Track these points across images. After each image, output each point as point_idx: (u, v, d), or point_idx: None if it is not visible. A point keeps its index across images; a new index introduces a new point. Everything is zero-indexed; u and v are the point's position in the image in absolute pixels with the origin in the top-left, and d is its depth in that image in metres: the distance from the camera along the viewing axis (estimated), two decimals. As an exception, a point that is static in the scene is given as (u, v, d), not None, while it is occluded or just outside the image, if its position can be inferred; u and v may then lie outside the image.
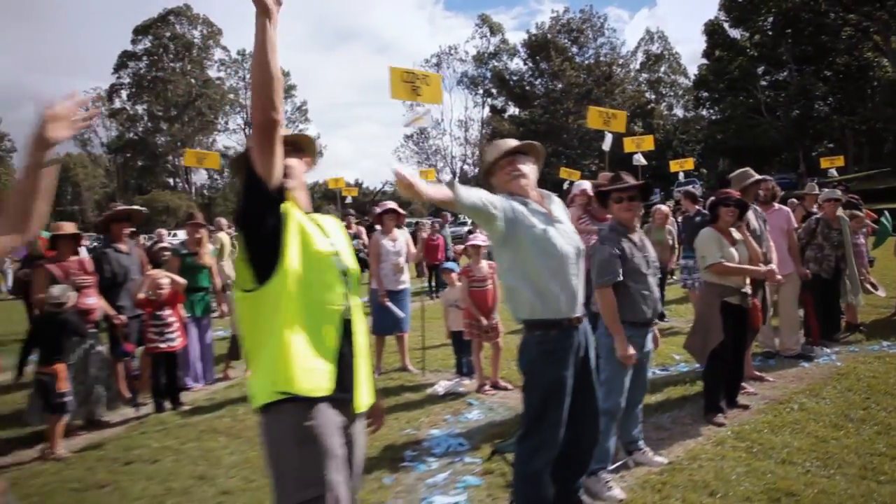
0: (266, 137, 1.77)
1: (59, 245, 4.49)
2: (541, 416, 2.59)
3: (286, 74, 56.97)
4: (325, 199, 65.25)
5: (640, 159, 11.27)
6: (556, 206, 2.76)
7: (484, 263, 5.04)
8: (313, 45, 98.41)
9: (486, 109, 48.41)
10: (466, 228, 14.87)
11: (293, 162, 2.02)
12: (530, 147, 2.77)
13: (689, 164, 15.98)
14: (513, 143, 2.79)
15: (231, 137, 57.90)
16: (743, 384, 4.53)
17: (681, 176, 19.24)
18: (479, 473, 3.45)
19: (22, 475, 3.80)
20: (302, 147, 2.10)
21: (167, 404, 5.03)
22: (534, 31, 39.97)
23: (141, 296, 4.97)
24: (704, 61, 40.93)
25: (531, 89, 38.59)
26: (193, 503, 3.31)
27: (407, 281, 5.84)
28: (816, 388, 4.61)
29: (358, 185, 56.11)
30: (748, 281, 4.19)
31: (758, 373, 4.98)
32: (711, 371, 4.11)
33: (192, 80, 53.69)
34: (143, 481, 3.60)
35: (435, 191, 2.35)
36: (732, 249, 4.09)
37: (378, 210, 5.82)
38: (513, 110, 46.21)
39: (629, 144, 11.27)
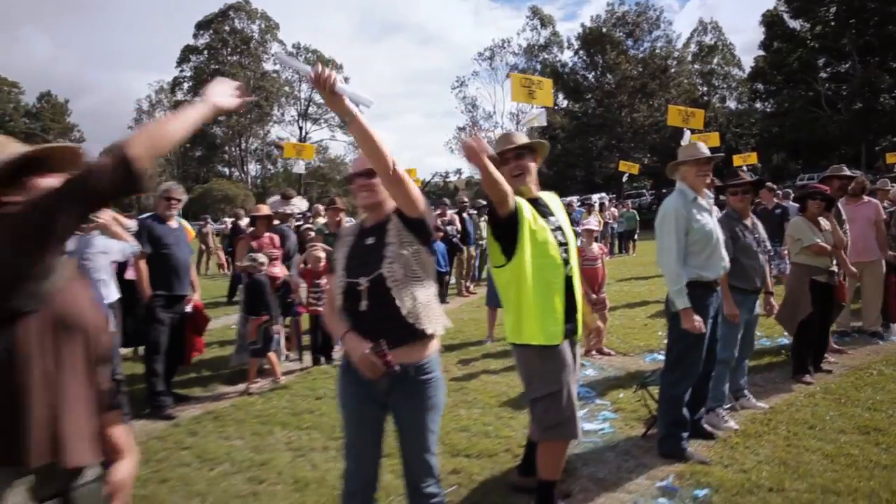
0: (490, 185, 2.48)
1: (257, 224, 5.54)
2: (684, 354, 3.42)
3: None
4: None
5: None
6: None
7: (595, 245, 5.85)
8: (359, 36, 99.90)
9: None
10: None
11: (530, 165, 2.86)
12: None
13: (753, 157, 16.21)
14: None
15: (286, 129, 59.70)
16: (825, 355, 5.22)
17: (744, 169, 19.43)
18: (612, 410, 4.30)
19: (220, 407, 4.82)
20: (535, 149, 2.94)
21: (322, 358, 6.04)
22: (588, 24, 40.08)
23: (302, 266, 6.00)
24: (761, 53, 40.21)
25: (584, 82, 38.76)
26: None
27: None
28: (893, 359, 5.26)
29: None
30: (834, 262, 4.89)
31: (837, 346, 5.65)
32: (799, 339, 4.83)
33: (250, 74, 55.58)
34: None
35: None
36: (821, 236, 4.79)
37: (483, 203, 6.68)
38: (563, 102, 46.42)
39: (696, 139, 11.75)
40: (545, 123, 8.35)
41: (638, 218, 19.32)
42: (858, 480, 3.05)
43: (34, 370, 1.29)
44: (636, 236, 19.00)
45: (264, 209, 5.67)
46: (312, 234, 6.90)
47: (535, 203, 2.79)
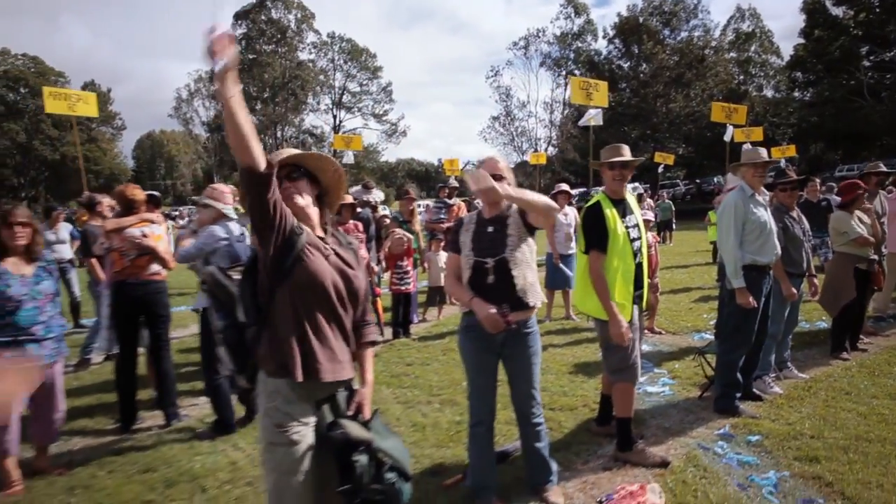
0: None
1: (342, 211, 6.27)
2: (740, 326, 4.05)
3: (373, 55, 59.31)
4: (408, 176, 67.25)
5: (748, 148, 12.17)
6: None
7: (649, 234, 6.45)
8: (388, 24, 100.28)
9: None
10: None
11: (627, 174, 3.52)
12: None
13: (792, 150, 16.46)
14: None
15: (320, 117, 60.68)
16: (861, 336, 5.77)
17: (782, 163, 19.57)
18: (669, 377, 4.96)
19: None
20: (634, 163, 3.58)
21: (401, 332, 6.80)
22: (624, 12, 39.87)
23: (386, 250, 6.75)
24: (800, 40, 39.50)
25: (619, 72, 38.65)
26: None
27: (574, 247, 7.33)
28: (925, 340, 5.79)
29: (440, 164, 57.88)
30: (873, 251, 5.42)
31: (871, 329, 6.18)
32: (841, 320, 5.39)
33: (287, 63, 56.59)
34: (432, 375, 5.33)
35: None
36: (864, 228, 5.33)
37: (553, 191, 7.32)
38: (594, 91, 46.20)
39: (739, 135, 12.18)
40: (601, 122, 8.93)
41: (673, 208, 19.65)
42: (886, 432, 3.67)
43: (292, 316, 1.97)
44: (673, 226, 19.35)
45: (348, 197, 6.40)
46: (388, 220, 7.64)
47: (621, 203, 3.46)
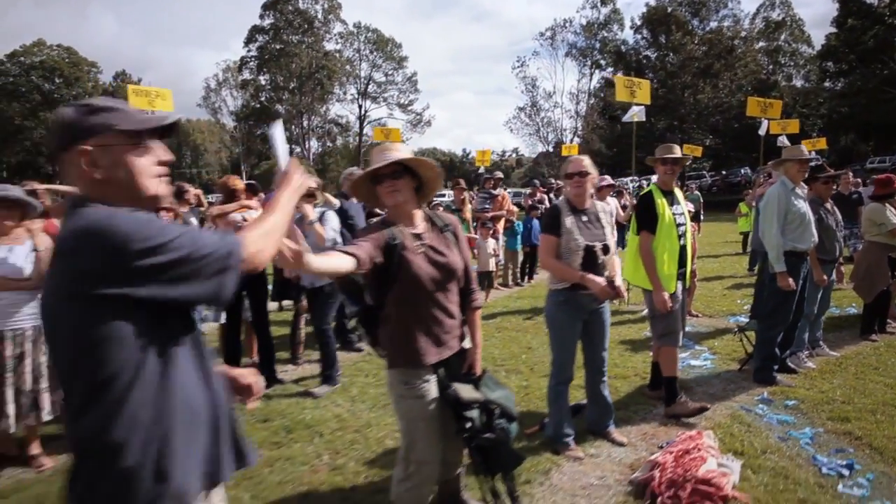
0: None
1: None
2: (779, 306, 4.54)
3: (398, 45, 59.74)
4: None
5: (783, 141, 12.47)
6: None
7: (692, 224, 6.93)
8: (411, 13, 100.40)
9: (594, 80, 48.63)
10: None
11: (677, 169, 4.04)
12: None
13: (822, 143, 16.58)
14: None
15: (345, 107, 61.30)
16: (888, 320, 6.19)
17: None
18: (710, 353, 5.46)
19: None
20: (684, 159, 4.11)
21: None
22: (653, 2, 39.65)
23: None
24: (832, 29, 38.91)
25: (646, 62, 38.58)
26: (520, 358, 5.55)
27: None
28: (949, 325, 6.19)
29: (466, 154, 58.35)
30: (902, 242, 5.84)
31: (899, 314, 6.59)
32: (873, 305, 5.82)
33: (313, 53, 57.19)
34: (493, 349, 5.89)
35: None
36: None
37: (599, 185, 7.78)
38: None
39: (775, 127, 12.47)
40: (644, 119, 9.39)
41: (702, 199, 19.86)
42: (911, 400, 4.15)
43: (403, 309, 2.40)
44: (701, 217, 19.57)
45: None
46: (441, 209, 8.20)
47: (671, 194, 4.00)
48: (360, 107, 60.52)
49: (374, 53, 59.87)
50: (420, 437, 2.41)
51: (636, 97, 7.33)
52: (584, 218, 3.45)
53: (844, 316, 6.83)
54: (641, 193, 4.14)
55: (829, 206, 5.19)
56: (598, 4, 48.73)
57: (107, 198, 1.32)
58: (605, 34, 48.33)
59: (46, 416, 3.49)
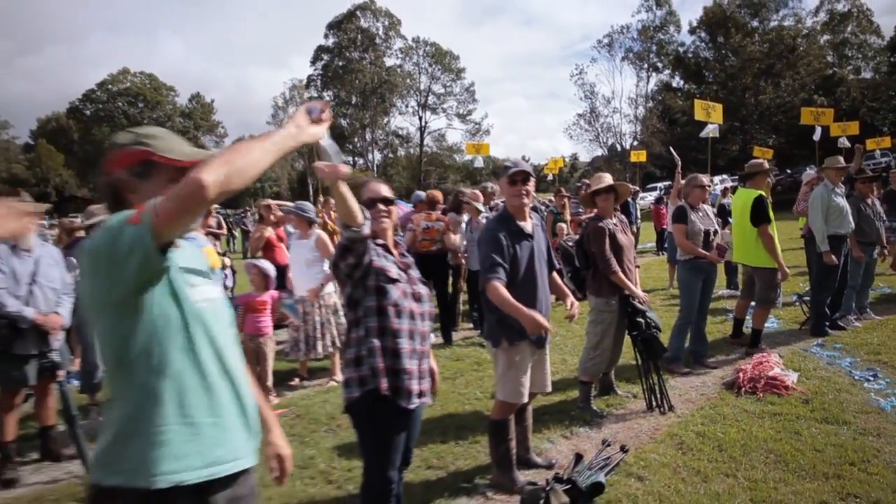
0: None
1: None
2: (825, 277, 6.07)
3: (456, 57, 61.92)
4: (493, 174, 69.19)
5: (844, 142, 13.51)
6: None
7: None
8: (461, 21, 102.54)
9: (651, 83, 49.17)
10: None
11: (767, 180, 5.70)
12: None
13: (886, 142, 17.28)
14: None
15: (406, 119, 63.72)
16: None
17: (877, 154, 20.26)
18: (775, 318, 6.99)
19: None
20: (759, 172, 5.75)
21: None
22: (709, 4, 40.12)
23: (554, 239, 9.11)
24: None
25: (705, 65, 39.09)
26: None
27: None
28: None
29: (525, 160, 59.84)
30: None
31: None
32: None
33: (375, 69, 59.95)
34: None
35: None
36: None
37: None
38: (678, 82, 46.38)
39: (835, 129, 13.56)
40: (718, 135, 10.91)
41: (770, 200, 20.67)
42: (937, 345, 5.61)
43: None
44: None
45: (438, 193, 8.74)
46: (546, 211, 9.98)
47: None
48: (420, 118, 62.81)
49: (433, 66, 61.95)
50: (607, 335, 4.25)
51: (711, 117, 8.84)
52: (700, 213, 5.18)
53: (894, 294, 8.14)
54: (754, 196, 5.58)
55: (869, 201, 6.65)
56: (654, 7, 49.31)
57: None
58: (661, 36, 48.82)
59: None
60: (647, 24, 48.20)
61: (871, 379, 4.74)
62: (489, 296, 3.02)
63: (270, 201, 7.61)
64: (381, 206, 2.50)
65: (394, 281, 2.38)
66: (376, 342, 2.34)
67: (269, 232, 7.12)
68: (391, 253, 2.48)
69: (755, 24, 38.46)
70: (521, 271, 3.11)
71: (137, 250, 1.27)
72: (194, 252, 1.61)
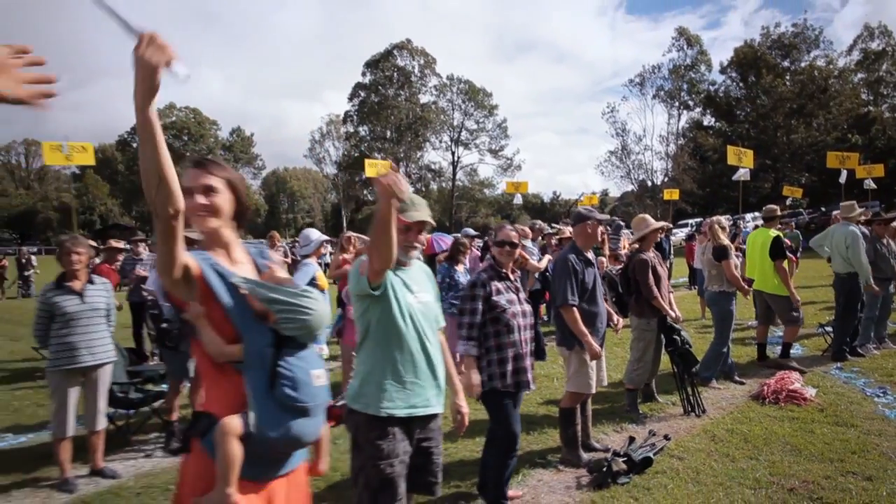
0: None
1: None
2: (848, 311, 6.82)
3: (489, 94, 63.76)
4: (525, 209, 70.44)
5: (870, 184, 14.17)
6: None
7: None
8: (493, 57, 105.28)
9: (682, 121, 49.93)
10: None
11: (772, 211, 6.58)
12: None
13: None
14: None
15: (439, 154, 65.40)
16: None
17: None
18: (800, 345, 7.71)
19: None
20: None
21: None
22: (740, 44, 41.00)
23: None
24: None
25: (736, 104, 39.78)
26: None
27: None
28: None
29: (556, 196, 60.84)
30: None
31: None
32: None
33: (411, 105, 61.99)
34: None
35: None
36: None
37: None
38: (709, 120, 47.04)
39: (860, 171, 14.22)
40: (749, 179, 11.80)
41: (801, 238, 21.06)
42: (941, 368, 6.30)
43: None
44: (798, 253, 20.80)
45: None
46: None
47: None
48: (452, 153, 64.37)
49: (467, 103, 63.70)
50: (649, 349, 5.12)
51: (743, 162, 9.73)
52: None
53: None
54: (773, 235, 6.55)
55: (885, 241, 7.41)
56: (685, 46, 50.28)
57: None
58: (692, 75, 49.65)
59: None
60: (679, 63, 49.20)
61: (881, 395, 5.48)
62: (564, 316, 3.97)
63: (352, 233, 8.70)
64: (509, 248, 3.48)
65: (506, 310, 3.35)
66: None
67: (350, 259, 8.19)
68: (509, 279, 3.47)
69: (786, 63, 39.11)
70: (588, 290, 4.06)
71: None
72: (416, 272, 2.60)
